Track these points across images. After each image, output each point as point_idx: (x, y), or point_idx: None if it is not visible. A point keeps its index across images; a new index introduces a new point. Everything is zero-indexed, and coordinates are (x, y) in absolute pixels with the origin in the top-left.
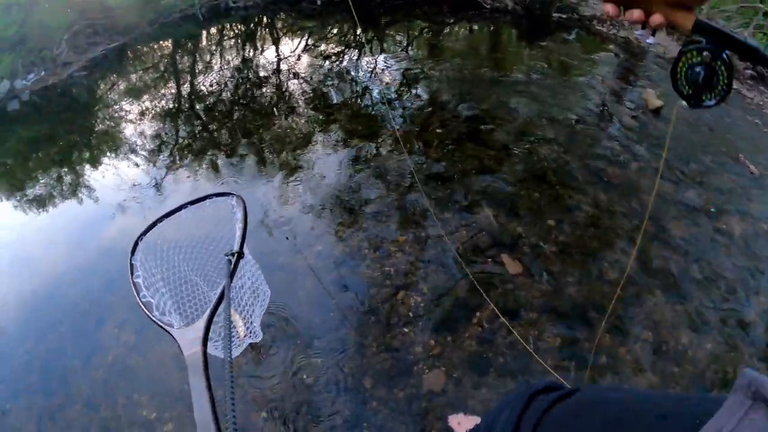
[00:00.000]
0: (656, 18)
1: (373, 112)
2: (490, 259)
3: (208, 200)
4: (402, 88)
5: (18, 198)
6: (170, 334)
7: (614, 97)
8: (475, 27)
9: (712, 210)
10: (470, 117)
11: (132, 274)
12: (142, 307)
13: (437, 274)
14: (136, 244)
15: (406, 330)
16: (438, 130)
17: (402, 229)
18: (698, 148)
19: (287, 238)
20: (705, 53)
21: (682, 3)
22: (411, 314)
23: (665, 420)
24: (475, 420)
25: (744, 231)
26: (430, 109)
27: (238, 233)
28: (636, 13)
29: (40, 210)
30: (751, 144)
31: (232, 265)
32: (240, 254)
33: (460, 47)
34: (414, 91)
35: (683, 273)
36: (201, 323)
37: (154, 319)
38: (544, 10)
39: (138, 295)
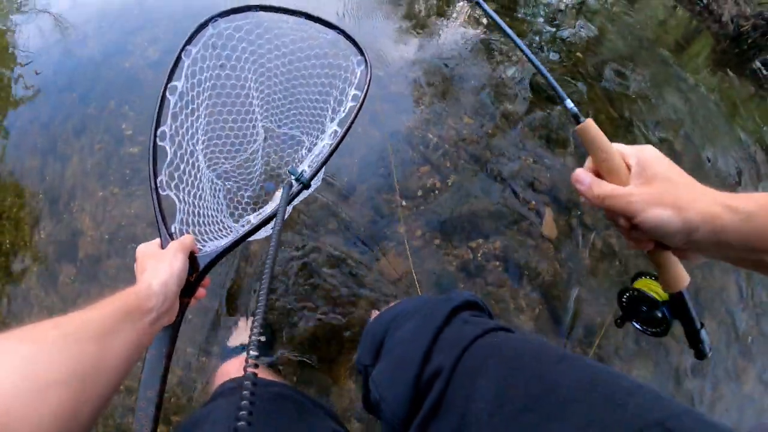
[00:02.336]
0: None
1: None
2: (534, 202)
3: (333, 31)
4: None
5: None
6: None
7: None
8: None
9: None
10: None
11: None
12: (150, 155)
13: (470, 177)
14: (203, 25)
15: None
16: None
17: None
18: None
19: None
20: (659, 311)
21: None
22: (424, 197)
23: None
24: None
25: None
26: None
27: (320, 151)
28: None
29: None
30: None
31: (292, 192)
32: (307, 186)
33: None
34: None
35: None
36: (209, 251)
37: (153, 188)
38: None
39: (156, 129)
